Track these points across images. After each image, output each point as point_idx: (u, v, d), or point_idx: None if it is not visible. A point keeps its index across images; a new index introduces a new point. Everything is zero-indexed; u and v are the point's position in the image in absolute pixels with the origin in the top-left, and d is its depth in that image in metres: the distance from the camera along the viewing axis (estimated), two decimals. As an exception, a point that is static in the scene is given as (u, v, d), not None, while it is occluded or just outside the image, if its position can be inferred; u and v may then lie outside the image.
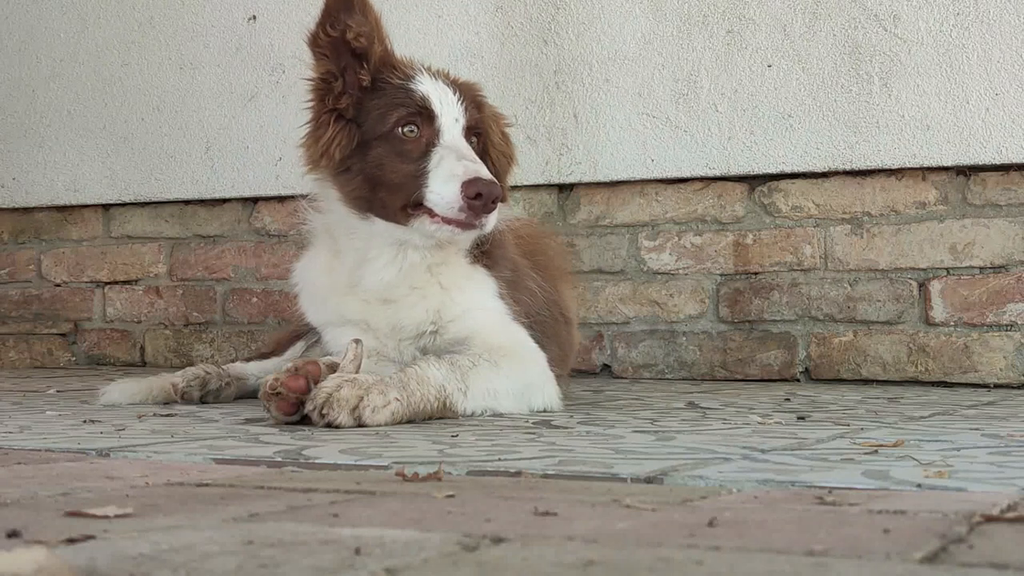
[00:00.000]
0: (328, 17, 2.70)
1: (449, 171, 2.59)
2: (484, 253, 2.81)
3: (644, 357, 4.15)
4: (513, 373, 2.66)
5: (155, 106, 4.82)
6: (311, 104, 2.76)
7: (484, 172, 2.58)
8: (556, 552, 1.12)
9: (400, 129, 2.66)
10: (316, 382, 2.42)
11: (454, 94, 2.71)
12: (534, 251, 3.09)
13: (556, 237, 3.72)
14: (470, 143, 2.69)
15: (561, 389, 2.84)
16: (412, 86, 2.69)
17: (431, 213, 2.61)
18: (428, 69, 2.76)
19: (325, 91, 2.72)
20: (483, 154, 2.75)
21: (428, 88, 2.70)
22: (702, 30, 4.07)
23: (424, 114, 2.67)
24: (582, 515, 1.34)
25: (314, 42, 2.72)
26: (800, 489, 1.55)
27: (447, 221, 2.59)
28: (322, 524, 1.28)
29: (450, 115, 2.68)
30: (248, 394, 3.11)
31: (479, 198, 2.53)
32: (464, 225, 2.59)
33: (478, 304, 2.76)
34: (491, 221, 2.60)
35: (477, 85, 2.88)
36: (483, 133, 2.78)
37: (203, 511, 1.38)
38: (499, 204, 2.63)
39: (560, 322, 3.08)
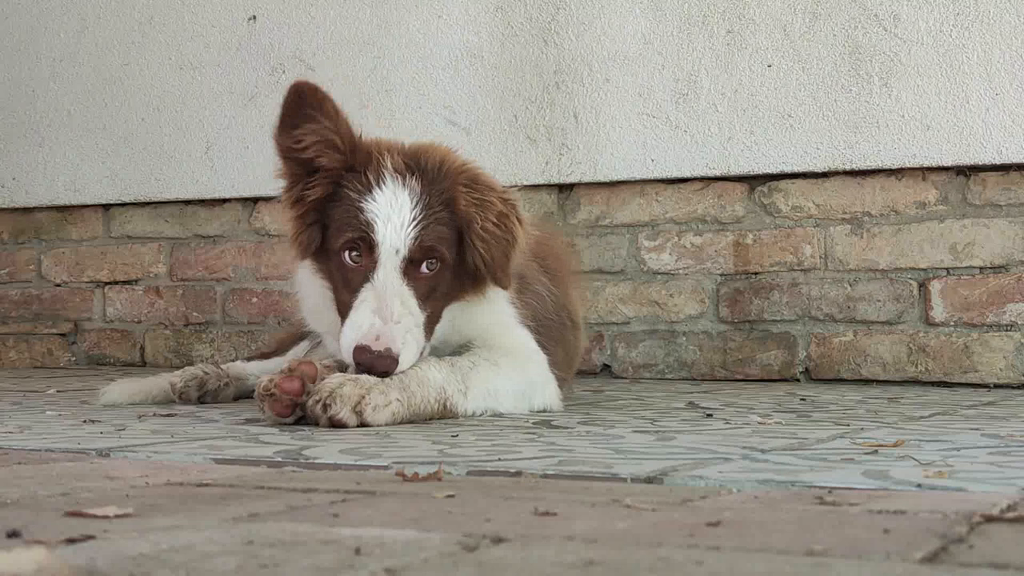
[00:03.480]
0: (284, 122, 2.59)
1: (356, 323, 2.48)
2: None
3: (644, 357, 4.15)
4: (513, 373, 2.66)
5: (155, 106, 4.82)
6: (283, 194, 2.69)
7: (385, 339, 2.43)
8: (556, 552, 1.12)
9: (346, 254, 2.56)
10: (313, 381, 2.42)
11: (412, 205, 2.53)
12: (543, 254, 3.06)
13: (562, 238, 3.70)
14: (427, 266, 2.54)
15: (565, 392, 2.83)
16: (365, 203, 2.54)
17: None
18: (398, 167, 2.57)
19: (289, 191, 2.65)
20: (461, 250, 2.59)
21: (380, 205, 2.53)
22: (702, 30, 4.07)
23: (367, 241, 2.53)
24: (582, 515, 1.34)
25: (275, 144, 2.62)
26: (800, 489, 1.55)
27: None
28: (322, 524, 1.28)
29: (391, 245, 2.51)
30: (248, 394, 3.11)
31: (359, 366, 2.43)
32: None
33: (488, 311, 2.75)
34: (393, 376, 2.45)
35: (463, 168, 2.65)
36: (463, 226, 2.58)
37: (203, 511, 1.38)
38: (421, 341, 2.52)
39: (567, 326, 3.07)
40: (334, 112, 2.57)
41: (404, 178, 2.56)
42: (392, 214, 2.53)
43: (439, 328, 2.65)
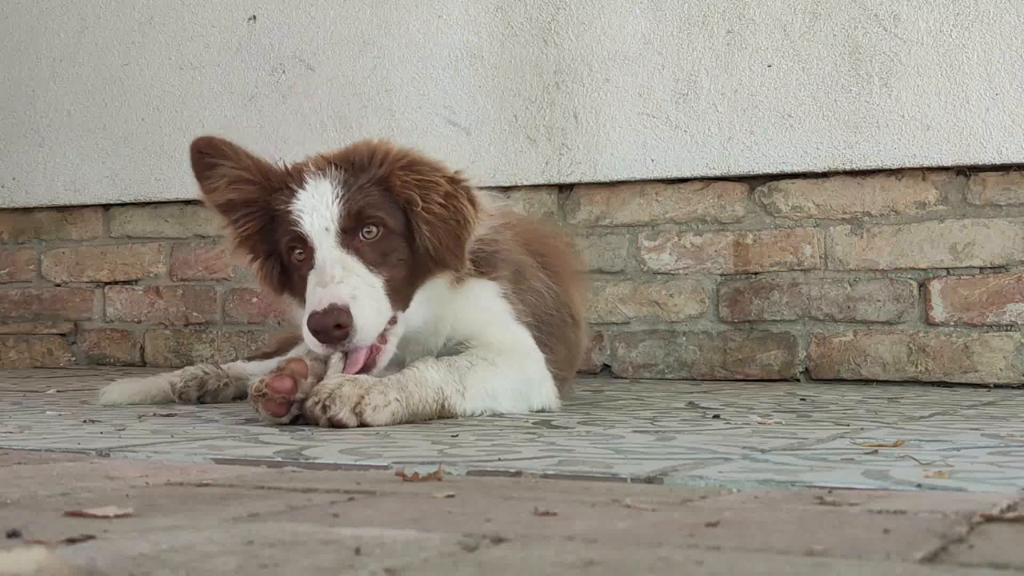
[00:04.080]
0: (197, 179, 2.66)
1: (307, 303, 2.48)
2: (480, 260, 2.75)
3: (644, 357, 4.15)
4: (511, 372, 2.66)
5: (155, 106, 4.82)
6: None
7: (327, 297, 2.42)
8: (556, 552, 1.12)
9: (290, 257, 2.59)
10: (305, 378, 2.43)
11: (334, 191, 2.54)
12: (541, 251, 3.06)
13: (564, 237, 3.69)
14: (365, 235, 2.54)
15: (567, 391, 2.83)
16: (291, 208, 2.56)
17: None
18: (319, 166, 2.59)
19: (231, 238, 2.69)
20: (407, 231, 2.58)
21: (303, 200, 2.55)
22: (702, 30, 4.07)
23: (300, 236, 2.55)
24: (582, 515, 1.34)
25: (204, 202, 2.71)
26: (800, 489, 1.55)
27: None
28: (322, 524, 1.28)
29: (319, 227, 2.53)
30: (247, 394, 3.11)
31: (316, 334, 2.42)
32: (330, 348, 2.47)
33: (479, 307, 2.75)
34: (360, 339, 2.44)
35: (401, 154, 2.63)
36: (405, 208, 2.58)
37: (203, 511, 1.38)
38: (394, 320, 2.52)
39: (568, 323, 3.07)
40: (233, 152, 2.63)
41: (325, 172, 2.59)
42: (316, 203, 2.55)
43: (421, 310, 2.63)
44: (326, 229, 2.53)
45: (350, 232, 2.54)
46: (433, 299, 2.67)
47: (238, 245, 2.69)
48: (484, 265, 2.76)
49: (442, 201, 2.60)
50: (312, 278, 2.52)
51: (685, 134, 4.07)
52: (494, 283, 2.77)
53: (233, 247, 2.71)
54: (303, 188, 2.58)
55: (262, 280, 2.72)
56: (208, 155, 2.63)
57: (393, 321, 2.55)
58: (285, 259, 2.63)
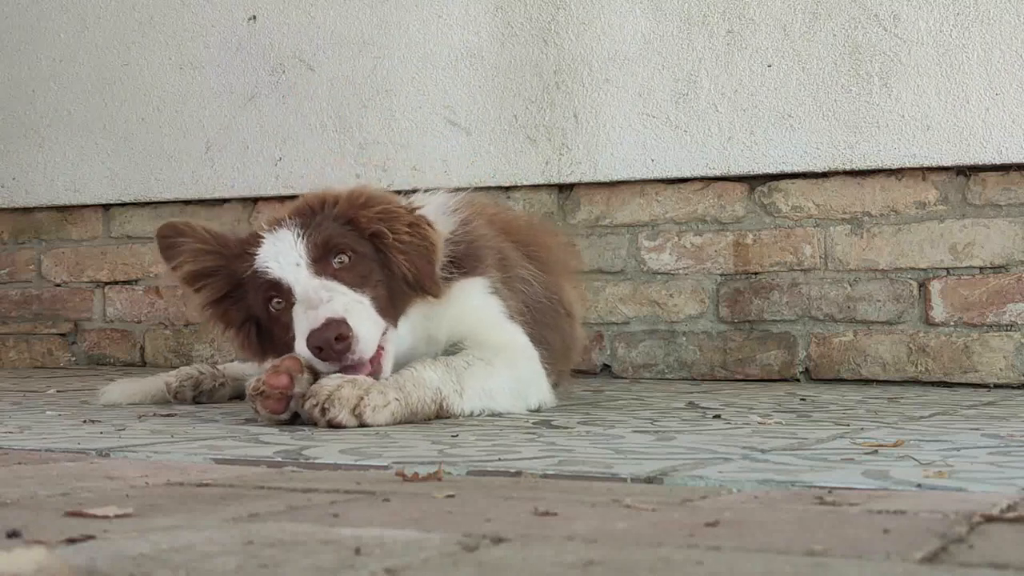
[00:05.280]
0: (165, 261, 2.72)
1: (300, 330, 2.47)
2: (461, 259, 2.74)
3: (644, 357, 4.15)
4: (507, 372, 2.66)
5: (155, 106, 4.82)
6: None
7: (323, 314, 2.41)
8: (556, 552, 1.12)
9: (271, 310, 2.58)
10: (301, 373, 2.43)
11: (295, 233, 2.55)
12: (528, 242, 3.06)
13: (556, 234, 3.68)
14: (337, 263, 2.54)
15: (564, 386, 2.82)
16: (258, 265, 2.57)
17: None
18: (272, 223, 2.63)
19: (199, 312, 2.73)
20: (379, 260, 2.60)
21: (267, 253, 2.57)
22: (702, 30, 4.07)
23: (274, 284, 2.55)
24: (582, 515, 1.34)
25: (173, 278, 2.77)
26: (800, 489, 1.55)
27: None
28: (322, 524, 1.28)
29: (290, 264, 2.53)
30: (244, 394, 3.11)
31: (320, 351, 2.42)
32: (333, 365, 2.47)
33: (471, 306, 2.74)
34: (362, 348, 2.44)
35: (355, 193, 2.67)
36: (376, 242, 2.60)
37: (203, 511, 1.38)
38: (388, 332, 2.52)
39: (561, 314, 3.07)
40: (192, 229, 2.69)
41: (282, 224, 2.60)
42: (280, 247, 2.56)
43: (409, 333, 2.63)
44: (296, 264, 2.53)
45: (321, 261, 2.54)
46: (419, 321, 2.67)
47: (209, 316, 2.71)
48: (466, 263, 2.75)
49: (408, 230, 2.63)
50: (298, 309, 2.50)
51: (685, 134, 4.07)
52: (480, 279, 2.76)
53: (204, 318, 2.74)
54: (262, 244, 2.59)
55: (242, 348, 2.73)
56: (170, 238, 2.69)
57: (385, 332, 2.54)
58: (263, 318, 2.62)
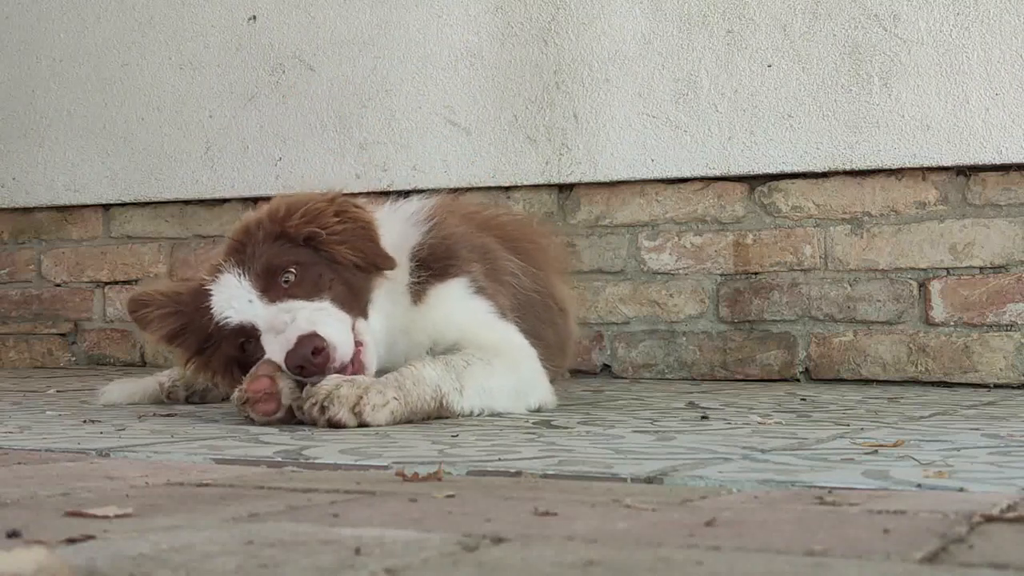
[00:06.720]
0: (142, 331, 2.78)
1: (273, 353, 2.48)
2: (437, 261, 2.75)
3: (644, 357, 4.15)
4: (507, 372, 2.66)
5: (155, 106, 4.82)
6: None
7: (292, 335, 2.42)
8: (556, 552, 1.12)
9: (246, 353, 2.59)
10: (278, 371, 2.45)
11: (235, 273, 2.57)
12: (513, 236, 3.06)
13: (544, 231, 3.65)
14: (285, 282, 2.55)
15: (562, 382, 2.82)
16: (217, 317, 2.58)
17: None
18: (209, 271, 2.65)
19: (183, 366, 2.78)
20: (324, 260, 2.61)
21: (219, 303, 2.58)
22: (702, 30, 4.07)
23: (238, 330, 2.57)
24: (582, 515, 1.34)
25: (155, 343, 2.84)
26: (800, 489, 1.55)
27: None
28: (322, 524, 1.28)
29: (242, 304, 2.55)
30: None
31: (302, 370, 2.43)
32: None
33: (455, 310, 2.74)
34: (340, 355, 2.45)
35: (271, 211, 2.67)
36: (315, 245, 2.62)
37: (203, 511, 1.38)
38: (358, 325, 2.53)
39: (554, 310, 3.07)
40: (151, 297, 2.74)
41: (220, 269, 2.62)
42: (227, 294, 2.58)
43: (383, 320, 2.62)
44: (249, 302, 2.55)
45: (271, 287, 2.55)
46: (394, 313, 2.67)
47: (195, 369, 2.74)
48: (438, 266, 2.76)
49: (338, 219, 2.64)
50: (266, 338, 2.51)
51: (685, 134, 4.07)
52: (461, 279, 2.75)
53: (191, 371, 2.77)
54: (211, 296, 2.61)
55: (232, 388, 2.71)
56: (138, 311, 2.74)
57: (355, 325, 2.54)
58: (241, 359, 2.63)
